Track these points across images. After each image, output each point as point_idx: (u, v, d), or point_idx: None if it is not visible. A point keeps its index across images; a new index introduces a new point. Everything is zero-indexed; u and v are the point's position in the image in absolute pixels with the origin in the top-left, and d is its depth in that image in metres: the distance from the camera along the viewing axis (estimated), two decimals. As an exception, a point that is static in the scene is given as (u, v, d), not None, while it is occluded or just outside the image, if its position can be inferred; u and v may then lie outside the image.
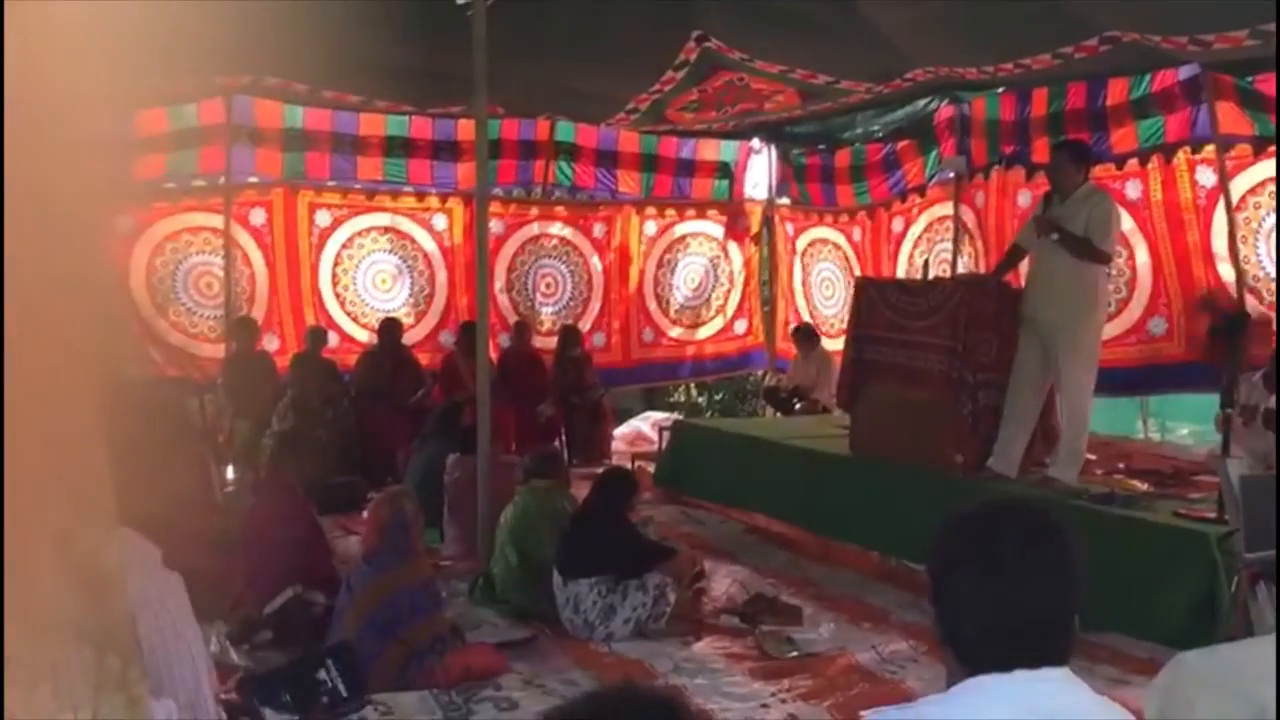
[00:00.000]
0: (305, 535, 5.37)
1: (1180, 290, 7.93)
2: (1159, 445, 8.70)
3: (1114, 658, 4.80)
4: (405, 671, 4.51)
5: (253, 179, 9.46)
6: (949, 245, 9.79)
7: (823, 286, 11.70)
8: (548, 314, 10.88)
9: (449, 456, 6.81)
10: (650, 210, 11.31)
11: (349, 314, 9.86)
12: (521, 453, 7.79)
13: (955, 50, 7.48)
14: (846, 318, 10.76)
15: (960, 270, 9.33)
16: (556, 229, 10.93)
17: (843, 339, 8.10)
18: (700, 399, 14.12)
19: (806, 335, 10.53)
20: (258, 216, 9.46)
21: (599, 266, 11.10)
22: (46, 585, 0.71)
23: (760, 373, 12.36)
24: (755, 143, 11.40)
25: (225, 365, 8.83)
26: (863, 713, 1.64)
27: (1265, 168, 7.34)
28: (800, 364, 10.56)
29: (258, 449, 8.09)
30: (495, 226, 10.03)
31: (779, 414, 10.39)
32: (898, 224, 10.79)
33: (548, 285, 10.90)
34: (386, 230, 10.04)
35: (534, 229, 10.81)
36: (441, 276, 10.27)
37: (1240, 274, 7.49)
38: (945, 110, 9.29)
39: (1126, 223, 7.64)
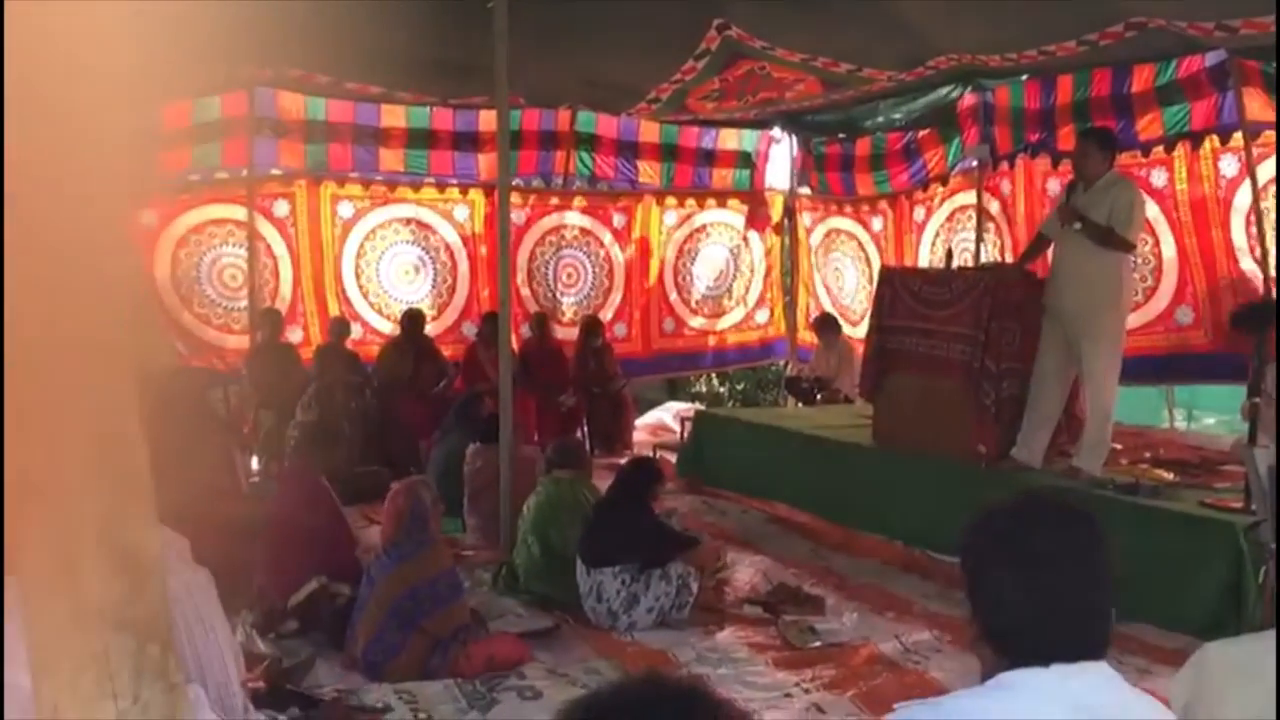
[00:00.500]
0: (329, 525, 5.40)
1: (1205, 280, 7.88)
2: (1185, 434, 8.64)
3: (1140, 648, 4.77)
4: (429, 662, 4.54)
5: (275, 171, 9.51)
6: (972, 234, 9.74)
7: (837, 276, 11.67)
8: (568, 304, 10.89)
9: (470, 446, 6.83)
10: (670, 200, 11.30)
11: (372, 305, 9.90)
12: (543, 443, 7.80)
13: (979, 38, 7.44)
14: (861, 308, 10.82)
15: (985, 259, 9.29)
16: (577, 219, 10.93)
17: (861, 329, 8.08)
18: (722, 389, 14.12)
19: (828, 325, 10.49)
20: (281, 208, 9.50)
21: (620, 257, 11.11)
22: (89, 576, 0.72)
23: (782, 363, 12.34)
24: (776, 132, 11.37)
25: (249, 356, 8.89)
26: (896, 705, 1.62)
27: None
28: (822, 354, 10.53)
29: (282, 440, 8.14)
30: (516, 217, 10.04)
31: (801, 404, 10.37)
32: (919, 213, 10.74)
33: (568, 276, 10.91)
34: (408, 222, 10.08)
35: (555, 220, 10.82)
36: (463, 267, 10.30)
37: (1265, 262, 7.43)
38: (968, 98, 9.23)
39: (1152, 210, 7.59)
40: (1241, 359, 6.84)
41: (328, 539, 5.28)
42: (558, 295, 10.83)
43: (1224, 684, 2.09)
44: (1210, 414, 9.60)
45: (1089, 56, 7.49)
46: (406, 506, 4.77)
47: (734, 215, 11.62)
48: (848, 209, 11.62)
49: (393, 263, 10.01)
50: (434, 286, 10.20)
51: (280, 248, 9.51)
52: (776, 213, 11.78)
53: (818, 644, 5.03)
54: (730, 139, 11.39)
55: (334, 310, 9.58)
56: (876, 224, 11.42)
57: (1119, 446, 6.69)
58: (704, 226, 11.50)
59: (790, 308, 11.93)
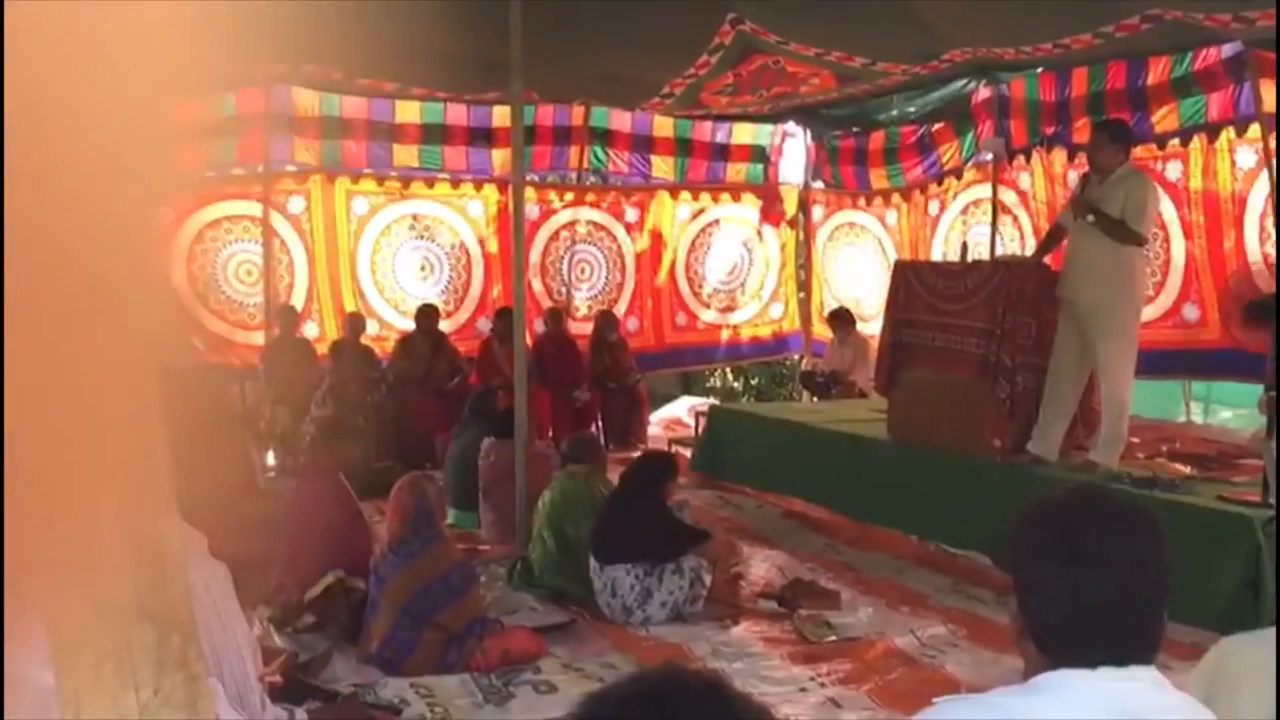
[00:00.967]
0: (346, 520, 5.40)
1: (1213, 276, 7.84)
2: (1202, 428, 8.60)
3: (1156, 643, 4.75)
4: (445, 657, 4.55)
5: (291, 167, 9.54)
6: (987, 228, 9.71)
7: (848, 270, 11.64)
8: (582, 299, 10.90)
9: (484, 441, 6.84)
10: (684, 194, 11.30)
11: (388, 301, 9.93)
12: (558, 438, 7.81)
13: (993, 31, 7.41)
14: (873, 302, 10.80)
15: (1000, 253, 9.25)
16: (591, 214, 10.94)
17: (876, 323, 8.07)
18: (736, 384, 14.10)
19: (843, 319, 10.47)
20: (296, 204, 9.53)
21: (632, 251, 11.11)
22: (111, 567, 0.72)
23: (796, 357, 12.33)
24: (790, 126, 11.35)
25: (265, 352, 8.92)
26: (934, 700, 1.59)
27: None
28: (837, 348, 10.52)
29: (298, 435, 8.17)
30: (530, 212, 10.04)
31: (815, 398, 10.37)
32: (934, 207, 10.71)
33: (582, 270, 10.92)
34: (423, 217, 10.10)
35: (568, 215, 10.83)
36: (478, 263, 10.32)
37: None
38: (983, 91, 9.19)
39: (1165, 206, 7.55)
40: (1247, 354, 6.82)
41: (344, 534, 5.29)
42: (571, 290, 10.84)
43: (1240, 678, 2.08)
44: (1227, 407, 9.55)
45: (1104, 49, 7.44)
46: (412, 502, 4.74)
47: (748, 210, 11.61)
48: (861, 202, 11.59)
49: (407, 258, 10.04)
50: (449, 282, 10.22)
51: (295, 244, 9.54)
52: (791, 207, 11.76)
53: (833, 638, 5.03)
54: (744, 133, 11.37)
55: (349, 306, 9.61)
56: (891, 218, 11.38)
57: (1136, 440, 6.65)
58: (717, 221, 11.49)
59: (804, 302, 11.92)
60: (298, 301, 9.42)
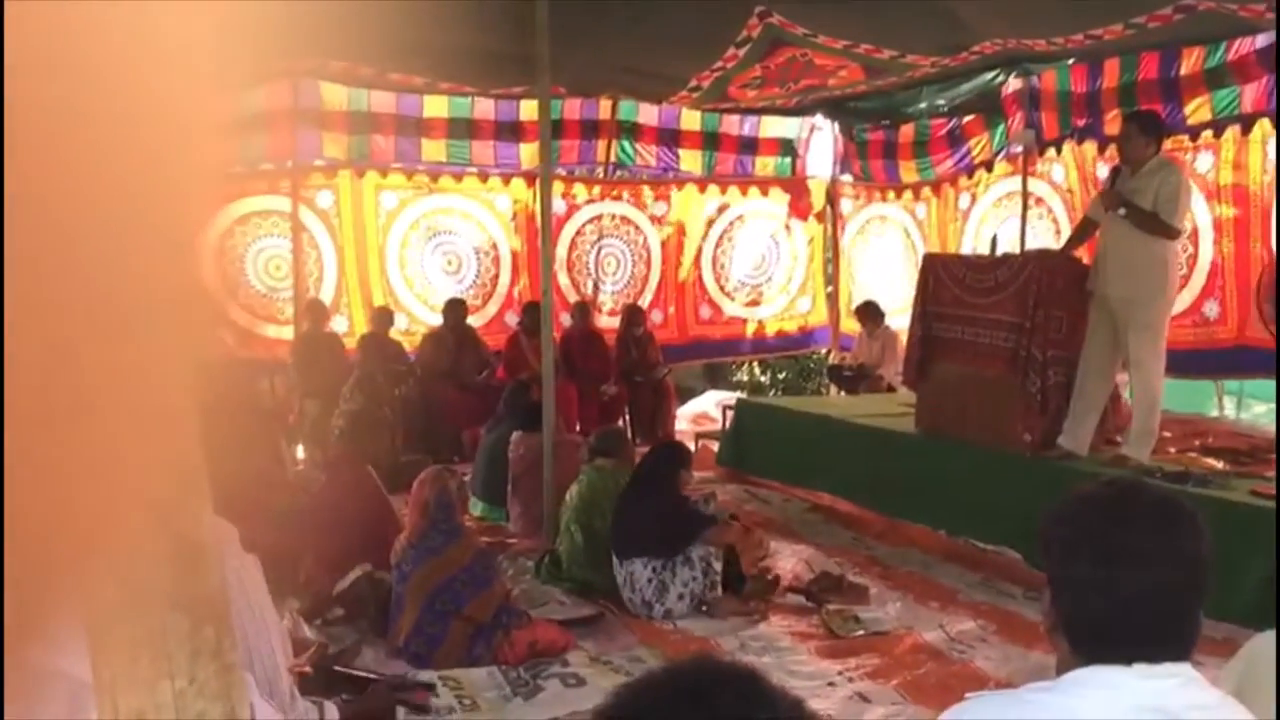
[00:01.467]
0: (374, 513, 5.44)
1: (1237, 272, 7.75)
2: (1235, 423, 8.52)
3: (1188, 638, 4.71)
4: (472, 649, 4.56)
5: (319, 162, 9.59)
6: (1018, 221, 9.65)
7: (878, 264, 11.59)
8: (608, 293, 10.91)
9: (513, 434, 6.86)
10: (711, 188, 11.28)
11: (416, 295, 9.96)
12: (585, 432, 7.82)
13: (1024, 22, 7.35)
14: (903, 295, 10.74)
15: (1031, 246, 9.20)
16: (617, 208, 10.94)
17: (905, 317, 8.03)
18: (763, 378, 14.09)
19: (871, 313, 10.43)
20: (324, 199, 9.58)
21: (658, 244, 11.10)
22: (147, 560, 0.73)
23: (824, 351, 12.29)
24: (818, 119, 11.31)
25: (295, 346, 8.98)
26: (967, 695, 1.57)
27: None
28: (865, 342, 10.48)
29: (327, 428, 8.22)
30: (557, 207, 10.06)
31: (843, 392, 10.33)
32: (964, 200, 10.65)
33: (609, 264, 10.93)
34: (451, 212, 10.13)
35: (595, 208, 10.84)
36: (506, 257, 10.35)
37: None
38: (1013, 83, 9.14)
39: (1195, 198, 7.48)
40: (1261, 352, 6.74)
41: (373, 526, 5.32)
42: (598, 284, 10.85)
43: (1269, 675, 2.06)
44: (1260, 401, 9.46)
45: (1136, 39, 7.37)
46: (432, 496, 4.75)
47: (775, 203, 11.57)
48: (891, 196, 11.54)
49: (435, 253, 10.07)
50: (477, 276, 10.25)
51: (324, 238, 9.59)
52: (818, 200, 11.72)
53: (861, 633, 5.02)
54: (772, 126, 11.33)
55: (378, 300, 9.65)
56: (921, 211, 11.32)
57: (1168, 434, 6.60)
58: (744, 215, 11.46)
59: (832, 295, 11.88)
60: (326, 296, 9.47)
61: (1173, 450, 6.52)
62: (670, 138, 10.93)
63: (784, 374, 14.05)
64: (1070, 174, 9.03)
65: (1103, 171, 8.43)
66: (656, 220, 11.07)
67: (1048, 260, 6.50)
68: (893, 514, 6.82)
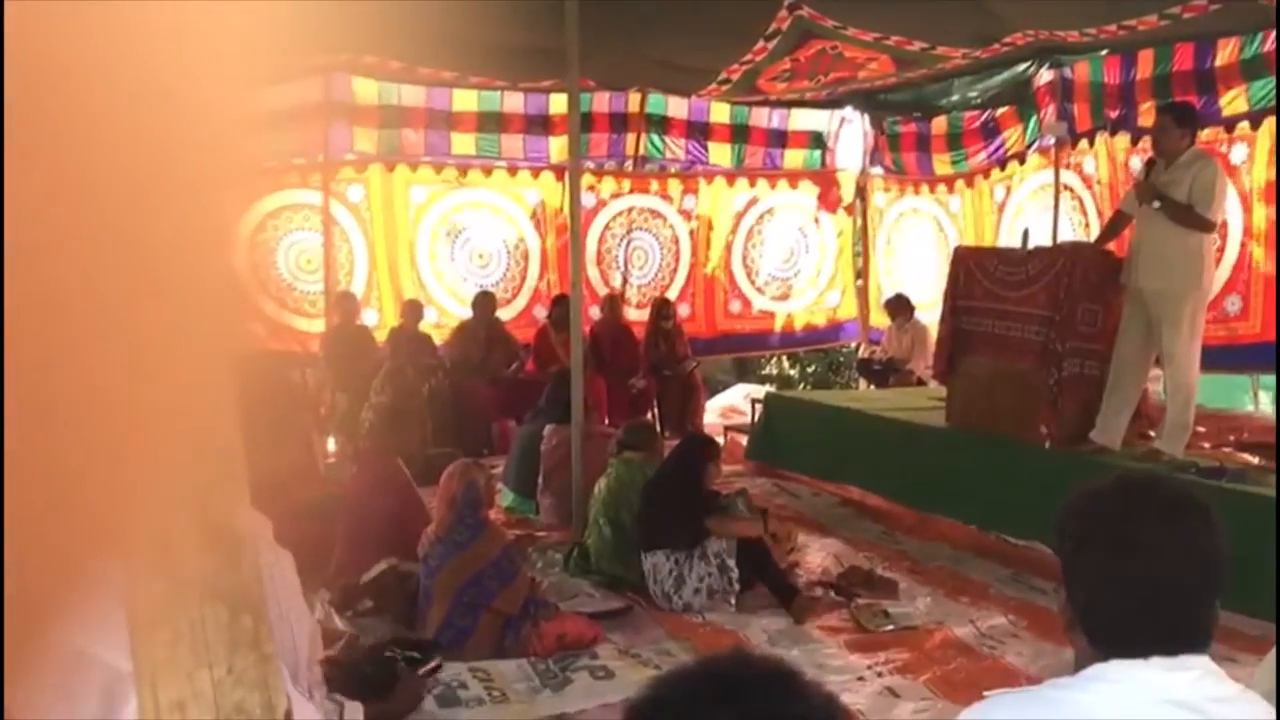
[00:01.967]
0: (404, 506, 5.47)
1: (1269, 263, 7.66)
2: (1270, 418, 8.43)
3: (1223, 635, 4.61)
4: (502, 641, 4.59)
5: (350, 156, 9.63)
6: (1050, 213, 9.58)
7: (912, 257, 11.53)
8: (637, 286, 10.90)
9: (546, 427, 6.87)
10: (740, 181, 11.25)
11: (446, 289, 10.00)
12: (614, 425, 7.82)
13: (1056, 13, 7.29)
14: (939, 288, 10.68)
15: (1063, 239, 9.13)
16: (646, 201, 10.93)
17: (935, 310, 7.99)
18: (792, 371, 14.06)
19: (901, 306, 10.39)
20: (355, 193, 9.63)
21: (687, 237, 11.09)
22: (186, 551, 0.74)
23: (853, 344, 12.25)
24: (848, 111, 11.26)
25: (326, 339, 9.03)
26: (986, 693, 1.57)
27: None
28: (894, 335, 10.44)
29: (357, 421, 8.26)
30: (586, 200, 10.06)
31: (873, 386, 10.29)
32: (999, 192, 10.58)
33: (637, 258, 10.93)
34: (480, 206, 10.15)
35: (624, 202, 10.83)
36: (535, 251, 10.37)
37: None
38: (1045, 74, 9.07)
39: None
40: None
41: (403, 519, 5.35)
42: (626, 277, 10.85)
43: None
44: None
45: (1171, 30, 7.30)
46: (460, 490, 4.75)
47: (804, 196, 11.53)
48: (924, 189, 11.48)
49: (465, 247, 10.10)
50: (506, 270, 10.27)
51: (355, 232, 9.64)
52: (847, 193, 11.67)
53: (891, 627, 5.00)
54: (801, 119, 11.30)
55: (408, 294, 9.69)
56: (955, 204, 11.25)
57: (1202, 429, 6.53)
58: (773, 208, 11.42)
59: (861, 289, 11.83)
60: (357, 289, 9.52)
61: (1207, 445, 6.46)
62: (699, 131, 10.92)
63: (813, 367, 14.01)
64: (1101, 166, 8.95)
65: (1135, 164, 8.36)
66: (685, 214, 11.06)
67: (1080, 253, 6.45)
68: (923, 508, 6.80)
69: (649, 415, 9.28)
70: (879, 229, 11.72)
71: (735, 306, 11.36)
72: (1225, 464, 5.70)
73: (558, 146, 10.06)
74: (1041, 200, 9.95)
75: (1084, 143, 9.09)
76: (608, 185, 10.76)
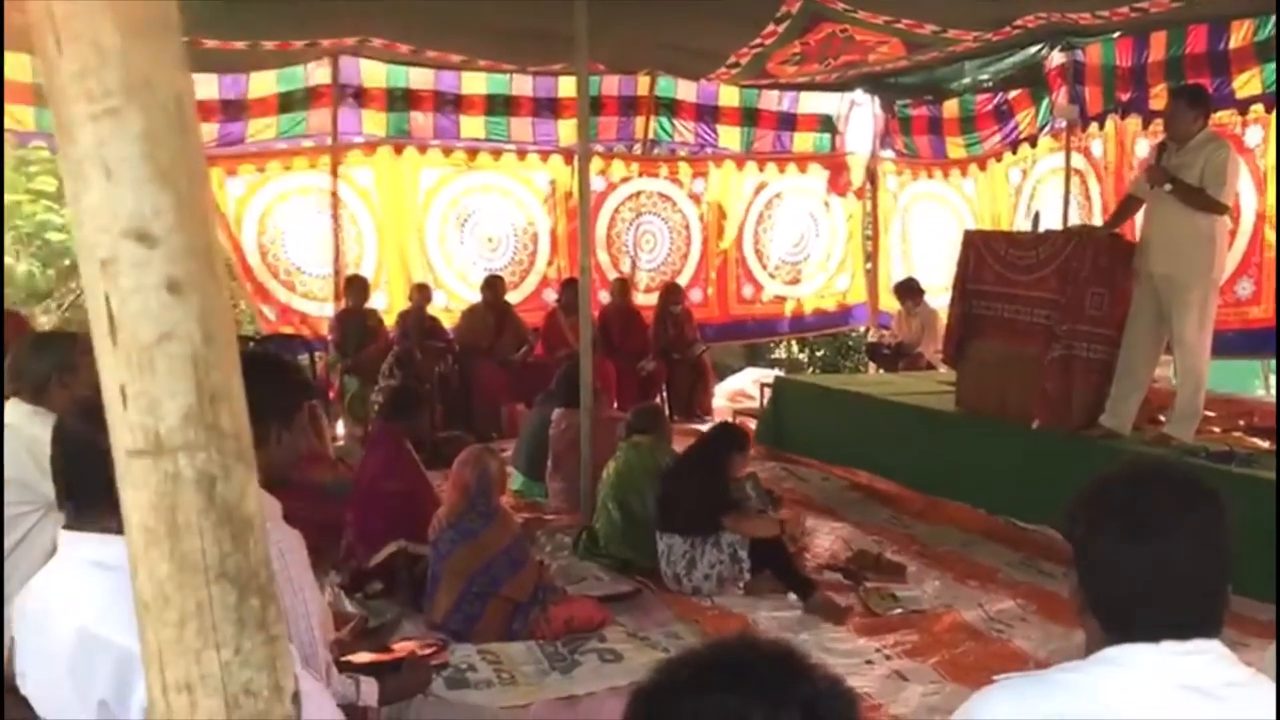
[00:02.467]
0: (413, 489, 5.47)
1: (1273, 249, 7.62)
2: (1280, 403, 8.40)
3: (1233, 620, 4.61)
4: (510, 626, 4.60)
5: (358, 139, 9.63)
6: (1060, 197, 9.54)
7: (928, 241, 11.50)
8: (646, 270, 10.89)
9: (555, 411, 6.87)
10: (750, 165, 11.22)
11: (455, 272, 10.00)
12: (623, 409, 7.82)
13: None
14: (949, 272, 10.66)
15: (1073, 222, 9.09)
16: (656, 185, 10.91)
17: (947, 294, 7.97)
18: (802, 355, 14.05)
19: (911, 290, 10.37)
20: (364, 176, 9.62)
21: (697, 222, 11.07)
22: (194, 531, 0.74)
23: (863, 328, 12.22)
24: (858, 95, 11.22)
25: (335, 322, 9.04)
26: (996, 677, 1.58)
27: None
28: (904, 320, 10.42)
29: (366, 404, 8.29)
30: (596, 183, 10.05)
31: (882, 370, 10.28)
32: (1015, 175, 10.54)
33: (647, 241, 10.91)
34: (490, 189, 10.14)
35: (634, 185, 10.81)
36: (544, 234, 10.36)
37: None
38: (1057, 57, 9.01)
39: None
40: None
41: (411, 502, 5.36)
42: (636, 261, 10.84)
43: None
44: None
45: (1184, 12, 7.24)
46: (473, 477, 4.71)
47: (814, 180, 11.49)
48: (937, 173, 11.44)
49: (474, 230, 10.10)
50: (515, 254, 10.27)
51: (364, 215, 9.64)
52: (857, 177, 11.63)
53: (899, 611, 5.01)
54: (811, 102, 11.25)
55: (417, 277, 9.69)
56: (969, 187, 11.21)
57: (1212, 414, 6.51)
58: (783, 192, 11.39)
59: (871, 273, 11.81)
60: (366, 272, 9.52)
61: (1217, 430, 6.44)
62: (709, 114, 10.89)
63: (822, 351, 14.00)
64: (1108, 149, 8.90)
65: (1142, 148, 8.32)
66: (695, 198, 11.04)
67: (1090, 237, 6.42)
68: (932, 492, 6.79)
69: (658, 399, 9.28)
70: (893, 213, 11.68)
71: (748, 291, 11.33)
72: (1235, 449, 5.69)
73: (567, 130, 10.04)
74: (1054, 184, 9.91)
75: (1094, 126, 9.05)
76: (617, 169, 10.74)
